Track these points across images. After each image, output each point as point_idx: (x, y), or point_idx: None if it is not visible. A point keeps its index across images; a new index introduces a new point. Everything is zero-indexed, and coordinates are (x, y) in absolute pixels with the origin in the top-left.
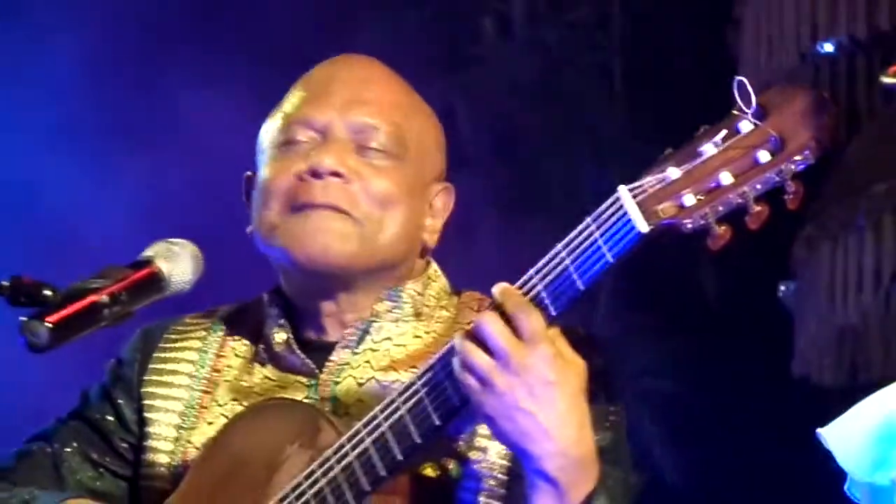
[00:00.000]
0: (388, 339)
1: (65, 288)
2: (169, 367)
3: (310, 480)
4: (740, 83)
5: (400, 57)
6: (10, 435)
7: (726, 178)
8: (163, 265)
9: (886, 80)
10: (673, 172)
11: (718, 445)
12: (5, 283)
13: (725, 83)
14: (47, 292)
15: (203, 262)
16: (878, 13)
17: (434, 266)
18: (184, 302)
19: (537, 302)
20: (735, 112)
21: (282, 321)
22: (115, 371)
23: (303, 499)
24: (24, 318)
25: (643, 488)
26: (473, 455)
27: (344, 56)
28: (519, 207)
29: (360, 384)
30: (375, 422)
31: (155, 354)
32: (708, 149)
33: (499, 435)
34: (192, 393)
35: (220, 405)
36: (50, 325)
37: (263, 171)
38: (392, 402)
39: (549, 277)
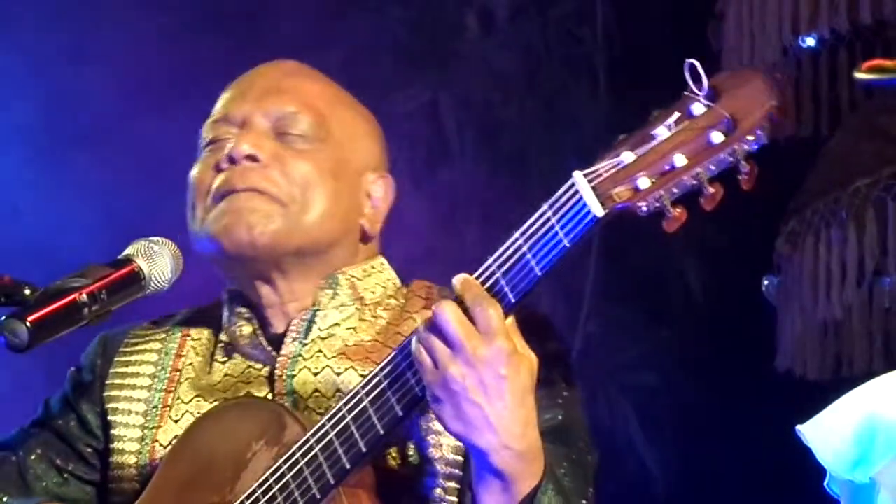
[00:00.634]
0: (336, 324)
1: (45, 287)
2: (130, 370)
3: (276, 476)
4: (691, 66)
5: (384, 51)
6: None
7: (680, 160)
8: (142, 264)
9: (859, 75)
10: (627, 156)
11: (702, 439)
12: None
13: (707, 75)
14: (27, 291)
15: (182, 262)
16: (860, 7)
17: (380, 259)
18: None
19: (496, 291)
20: (687, 94)
21: (248, 314)
22: (75, 378)
23: (269, 494)
24: (3, 318)
25: (601, 467)
26: (432, 443)
27: (269, 62)
28: (502, 200)
29: (316, 374)
30: (339, 415)
31: (116, 359)
32: (661, 132)
33: (445, 424)
34: (155, 393)
35: (185, 402)
36: (30, 325)
37: (190, 175)
38: (356, 394)
39: (507, 265)
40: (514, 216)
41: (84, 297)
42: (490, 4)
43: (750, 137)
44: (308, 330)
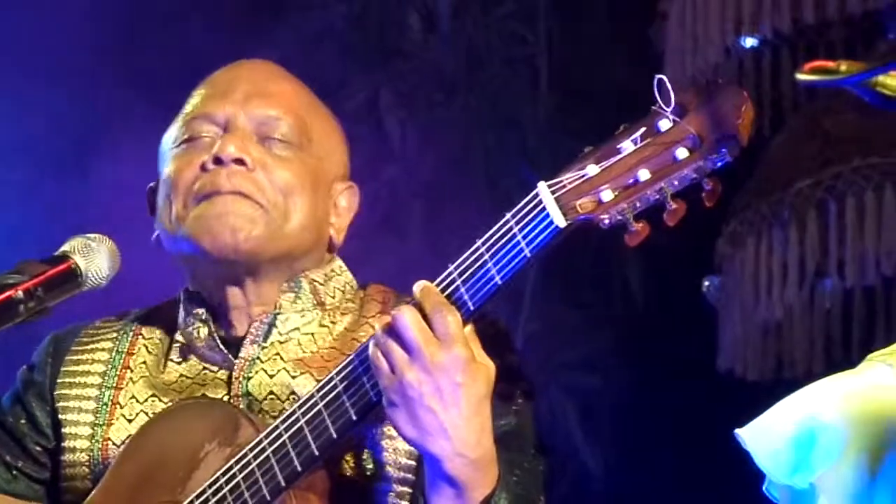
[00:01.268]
0: (296, 329)
1: None
2: (81, 368)
3: (227, 476)
4: (660, 81)
5: (327, 50)
6: None
7: (644, 174)
8: (79, 260)
9: (802, 76)
10: (592, 169)
11: (644, 440)
12: None
13: (651, 78)
14: None
15: (120, 259)
16: (803, 7)
17: (339, 262)
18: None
19: (455, 299)
20: (655, 109)
21: (204, 316)
22: (26, 377)
23: (220, 494)
24: None
25: (552, 472)
26: (387, 450)
27: (245, 60)
28: (444, 199)
29: (272, 376)
30: (293, 418)
31: (67, 357)
32: (627, 146)
33: (400, 429)
34: (105, 391)
35: (140, 402)
36: None
37: (166, 170)
38: (311, 398)
39: (468, 273)
40: (456, 216)
41: (20, 293)
42: (432, 3)
43: (714, 155)
44: (268, 333)
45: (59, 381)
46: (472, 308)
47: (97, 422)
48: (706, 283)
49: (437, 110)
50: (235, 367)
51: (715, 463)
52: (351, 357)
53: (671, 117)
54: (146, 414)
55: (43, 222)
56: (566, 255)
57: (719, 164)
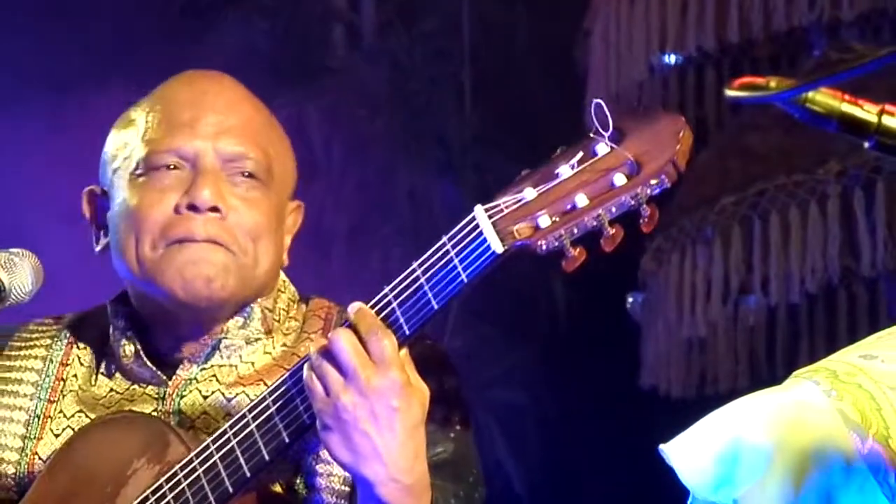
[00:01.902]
0: (238, 355)
1: None
2: (14, 375)
3: (157, 496)
4: (597, 106)
5: (252, 66)
6: None
7: (582, 200)
8: (2, 276)
9: (730, 93)
10: (529, 193)
11: (567, 456)
12: None
13: (573, 93)
14: None
15: (43, 273)
16: (727, 26)
17: (282, 277)
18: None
19: (391, 322)
20: (592, 135)
21: (129, 333)
22: None
23: None
24: None
25: (488, 501)
26: (321, 474)
27: (201, 76)
28: (369, 215)
29: (206, 397)
30: (225, 437)
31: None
32: (564, 170)
33: (334, 453)
34: (37, 402)
35: (67, 417)
36: None
37: (128, 198)
38: (243, 417)
39: (404, 296)
40: (380, 231)
41: None
42: (357, 19)
43: (653, 181)
44: (210, 355)
45: None
46: (407, 332)
47: (28, 434)
48: (630, 300)
49: (361, 126)
50: (170, 385)
51: (638, 478)
52: (284, 377)
53: (609, 143)
54: (72, 430)
55: None
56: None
57: (657, 190)
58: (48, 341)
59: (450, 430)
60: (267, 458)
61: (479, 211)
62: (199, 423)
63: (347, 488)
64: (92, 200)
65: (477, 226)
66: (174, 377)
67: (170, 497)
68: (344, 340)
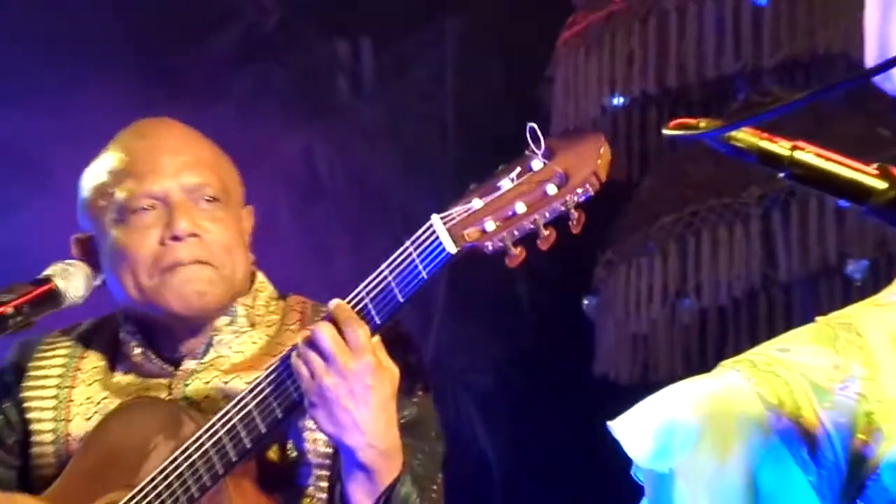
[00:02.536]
0: (230, 347)
1: None
2: (42, 372)
3: (173, 466)
4: (531, 129)
5: (268, 108)
6: None
7: (521, 207)
8: (60, 283)
9: (667, 132)
10: (476, 203)
11: (531, 431)
12: None
13: (539, 128)
14: None
15: (93, 280)
16: (667, 72)
17: (260, 277)
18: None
19: (364, 314)
20: (528, 153)
21: (138, 337)
22: None
23: (167, 481)
24: None
25: (449, 454)
26: (308, 440)
27: (151, 124)
28: (368, 231)
29: (207, 384)
30: (228, 416)
31: (31, 364)
32: (505, 183)
33: (319, 425)
34: (61, 390)
35: (95, 403)
36: None
37: (116, 240)
38: (242, 398)
39: (374, 292)
40: (377, 246)
41: (10, 310)
42: (357, 68)
43: (579, 190)
44: (206, 351)
45: (24, 384)
46: (378, 322)
47: (57, 417)
48: (586, 302)
49: (361, 158)
50: (175, 377)
51: (591, 449)
52: (276, 364)
53: (542, 159)
54: (99, 413)
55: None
56: (469, 280)
57: (584, 198)
58: (69, 344)
59: (413, 397)
60: (263, 430)
61: (435, 219)
62: (204, 406)
63: (330, 450)
64: (81, 246)
65: (434, 231)
66: (178, 371)
67: (183, 466)
68: (324, 331)
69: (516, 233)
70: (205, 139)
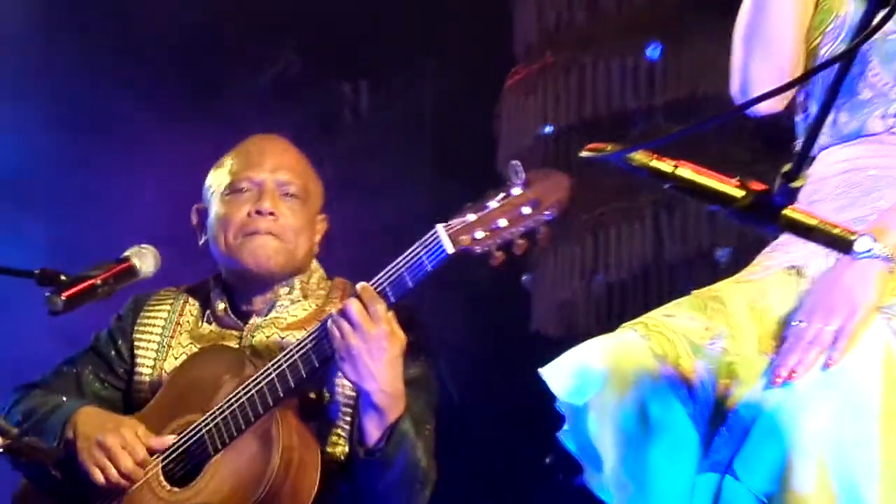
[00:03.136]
0: (287, 310)
1: (73, 275)
2: (149, 321)
3: (235, 397)
4: (513, 165)
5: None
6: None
7: (503, 222)
8: (136, 261)
9: (584, 154)
10: (470, 217)
11: (483, 375)
12: (37, 272)
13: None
14: (63, 277)
15: (160, 259)
16: (584, 110)
17: (315, 263)
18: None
19: (382, 293)
20: (510, 182)
21: (223, 296)
22: (116, 323)
23: (231, 408)
24: (48, 294)
25: (441, 407)
26: (338, 386)
27: (264, 136)
28: (368, 242)
29: (268, 337)
30: (278, 363)
31: (142, 313)
32: (492, 203)
33: (345, 374)
34: (164, 338)
35: (183, 346)
36: (64, 299)
37: (219, 208)
38: (290, 350)
39: (392, 279)
40: (374, 255)
41: (98, 281)
42: (358, 101)
43: (547, 212)
44: (269, 311)
45: (136, 327)
46: (392, 300)
47: (157, 357)
48: (524, 277)
49: (363, 171)
50: (245, 330)
51: (526, 390)
52: (316, 328)
53: (521, 188)
54: (186, 354)
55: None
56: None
57: (550, 218)
58: (171, 300)
59: (417, 360)
60: (304, 375)
61: (439, 227)
62: (264, 354)
63: (354, 394)
64: (198, 214)
65: (438, 236)
66: (247, 325)
67: (244, 398)
68: (353, 305)
69: (499, 241)
70: (301, 154)
